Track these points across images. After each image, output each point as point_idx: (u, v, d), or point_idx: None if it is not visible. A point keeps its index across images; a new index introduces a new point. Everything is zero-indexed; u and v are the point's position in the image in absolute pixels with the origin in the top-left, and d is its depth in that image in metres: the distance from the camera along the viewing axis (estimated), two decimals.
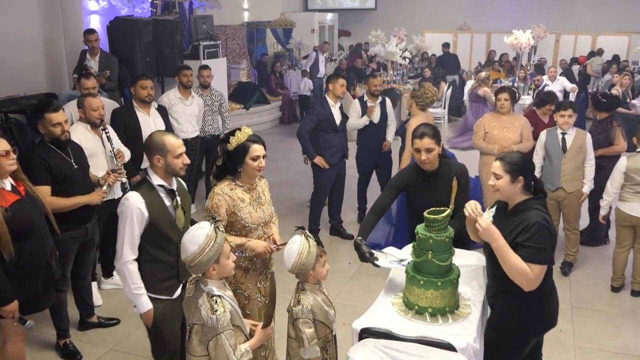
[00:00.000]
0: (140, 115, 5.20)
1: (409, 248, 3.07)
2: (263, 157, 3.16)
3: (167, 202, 2.97)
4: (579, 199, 5.17)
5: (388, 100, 6.46)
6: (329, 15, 17.79)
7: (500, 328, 2.84)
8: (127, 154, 4.61)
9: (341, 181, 6.17)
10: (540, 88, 10.00)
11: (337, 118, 5.86)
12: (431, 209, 2.73)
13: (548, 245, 2.66)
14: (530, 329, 2.85)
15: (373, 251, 3.17)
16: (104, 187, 4.05)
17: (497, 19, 17.39)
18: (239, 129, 3.15)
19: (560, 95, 10.25)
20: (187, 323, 2.62)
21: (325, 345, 2.89)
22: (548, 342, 4.10)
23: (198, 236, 2.49)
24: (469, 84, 11.76)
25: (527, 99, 10.57)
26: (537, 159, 5.27)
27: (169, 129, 5.47)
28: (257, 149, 3.11)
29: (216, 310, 2.45)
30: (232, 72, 12.04)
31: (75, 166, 3.82)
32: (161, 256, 2.97)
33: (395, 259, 3.11)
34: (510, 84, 11.36)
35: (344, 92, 5.84)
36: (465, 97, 11.56)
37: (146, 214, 2.86)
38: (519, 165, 2.78)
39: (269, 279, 3.38)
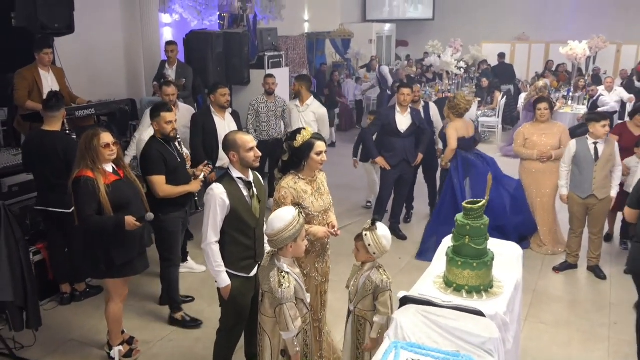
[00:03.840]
0: (217, 119, 5.78)
1: None
2: (325, 152, 3.63)
3: (245, 192, 3.45)
4: (609, 204, 5.38)
5: (432, 105, 7.09)
6: (387, 26, 18.20)
7: None
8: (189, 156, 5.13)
9: (404, 184, 6.65)
10: (594, 98, 10.11)
11: (402, 124, 6.34)
12: (469, 200, 3.14)
13: None
14: None
15: None
16: (200, 177, 4.63)
17: (558, 29, 17.27)
18: (303, 129, 3.65)
19: (617, 106, 10.35)
20: (260, 288, 3.17)
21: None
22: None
23: (285, 215, 3.02)
24: (525, 94, 11.94)
25: (581, 109, 10.68)
26: (565, 168, 5.48)
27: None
28: (320, 145, 3.58)
29: (282, 285, 3.00)
30: (292, 81, 12.64)
31: (179, 160, 4.47)
32: (240, 239, 3.44)
33: None
34: (566, 93, 11.47)
35: (405, 101, 6.29)
36: (519, 106, 11.73)
37: (227, 202, 3.34)
38: None
39: (325, 260, 3.87)
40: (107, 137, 3.74)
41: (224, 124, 5.78)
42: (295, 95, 7.04)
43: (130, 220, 3.68)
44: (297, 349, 3.11)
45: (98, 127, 4.19)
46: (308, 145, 3.55)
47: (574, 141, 5.47)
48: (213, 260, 3.38)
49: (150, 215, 3.80)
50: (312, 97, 6.98)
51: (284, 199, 3.54)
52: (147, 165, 4.33)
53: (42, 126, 4.64)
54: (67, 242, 4.85)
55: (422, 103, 6.96)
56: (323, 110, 6.94)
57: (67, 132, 4.99)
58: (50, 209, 4.64)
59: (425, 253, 6.02)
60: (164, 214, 4.38)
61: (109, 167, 3.80)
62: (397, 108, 6.36)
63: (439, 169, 6.86)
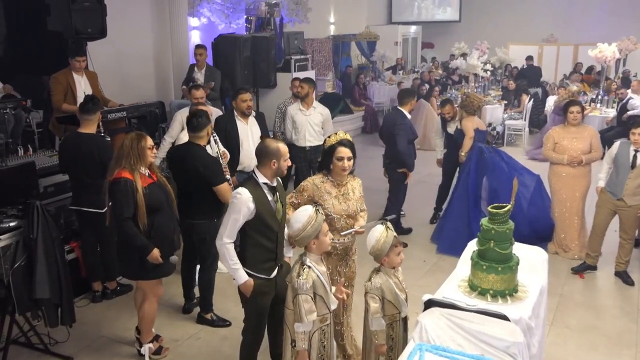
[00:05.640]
0: (240, 124, 5.77)
1: None
2: (348, 159, 3.65)
3: (270, 197, 3.48)
4: (638, 211, 5.31)
5: None
6: (413, 28, 18.19)
7: None
8: (228, 155, 5.31)
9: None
10: (624, 101, 9.97)
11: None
12: (494, 205, 3.17)
13: None
14: None
15: None
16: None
17: (587, 30, 17.02)
18: (335, 133, 3.73)
19: None
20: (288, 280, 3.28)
21: (392, 323, 3.40)
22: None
23: (302, 216, 3.10)
24: (552, 97, 11.82)
25: (610, 112, 10.54)
26: (605, 168, 5.48)
27: (265, 134, 6.04)
28: (342, 151, 3.62)
29: (300, 276, 3.10)
30: (319, 83, 12.71)
31: None
32: (263, 241, 3.47)
33: None
34: (594, 97, 11.32)
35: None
36: (547, 109, 11.62)
37: (252, 206, 3.36)
38: None
39: (349, 264, 3.92)
40: (150, 140, 3.94)
41: (247, 128, 5.79)
42: (301, 97, 6.79)
43: (155, 254, 3.81)
44: (304, 345, 3.15)
45: (137, 130, 4.34)
46: (331, 149, 3.64)
47: (617, 143, 5.45)
48: (229, 258, 3.41)
49: (174, 259, 3.96)
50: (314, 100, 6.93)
51: (302, 189, 3.73)
52: (217, 176, 4.42)
53: (78, 128, 4.79)
54: (99, 242, 5.00)
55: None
56: (327, 110, 6.97)
57: (102, 134, 5.14)
58: (84, 209, 4.79)
59: (448, 247, 6.16)
60: (218, 219, 4.49)
61: (145, 172, 3.91)
62: (407, 114, 6.38)
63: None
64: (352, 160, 3.68)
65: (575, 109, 5.87)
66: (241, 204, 3.35)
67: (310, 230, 3.09)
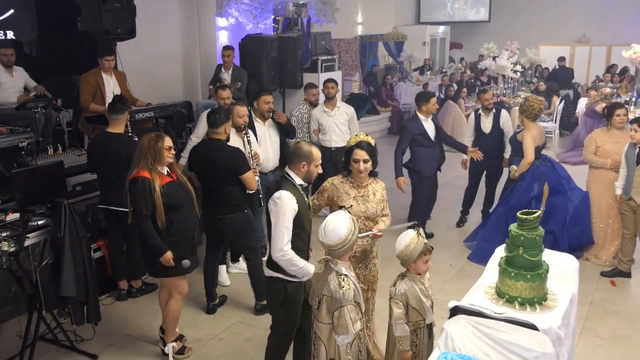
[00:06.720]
0: (258, 125, 5.73)
1: None
2: (364, 162, 3.62)
3: (305, 199, 3.46)
4: None
5: (504, 112, 6.77)
6: (441, 28, 17.99)
7: None
8: (262, 156, 5.33)
9: (435, 190, 6.62)
10: None
11: (431, 132, 6.23)
12: (524, 210, 3.09)
13: None
14: None
15: None
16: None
17: (620, 30, 16.59)
18: (356, 135, 3.72)
19: None
20: (316, 294, 3.16)
21: (416, 330, 3.33)
22: None
23: (343, 222, 3.01)
24: (584, 99, 11.56)
25: None
26: (622, 175, 5.38)
27: (283, 135, 6.00)
28: (357, 153, 3.62)
29: (343, 287, 3.00)
30: (345, 83, 12.65)
31: None
32: (298, 244, 3.41)
33: None
34: (632, 99, 11.03)
35: (436, 109, 6.31)
36: (578, 112, 11.37)
37: (297, 208, 3.34)
38: None
39: (369, 268, 3.86)
40: (169, 141, 3.97)
41: (264, 129, 5.76)
42: (329, 98, 6.73)
43: (168, 256, 3.86)
44: (350, 357, 3.09)
45: (160, 131, 4.40)
46: (349, 151, 3.65)
47: (628, 143, 5.37)
48: (296, 263, 3.33)
49: (186, 263, 3.97)
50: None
51: (322, 190, 3.77)
52: (244, 164, 4.58)
53: (107, 128, 4.84)
54: (125, 240, 5.04)
55: (494, 110, 6.81)
56: (352, 109, 6.92)
57: (130, 134, 5.19)
58: (112, 208, 4.83)
59: (480, 257, 5.79)
60: (248, 209, 4.67)
61: (164, 171, 3.96)
62: (422, 117, 6.19)
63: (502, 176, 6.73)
64: (368, 163, 3.67)
65: (622, 111, 5.75)
66: (287, 206, 3.30)
67: (356, 233, 3.03)
